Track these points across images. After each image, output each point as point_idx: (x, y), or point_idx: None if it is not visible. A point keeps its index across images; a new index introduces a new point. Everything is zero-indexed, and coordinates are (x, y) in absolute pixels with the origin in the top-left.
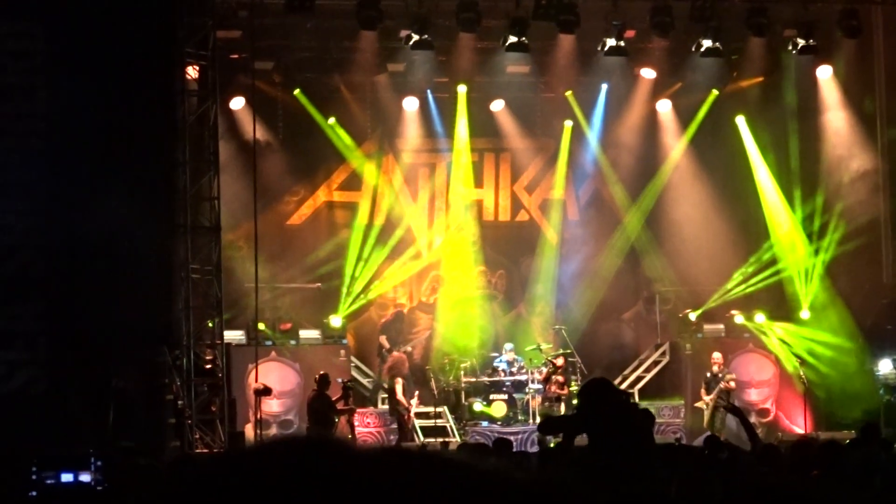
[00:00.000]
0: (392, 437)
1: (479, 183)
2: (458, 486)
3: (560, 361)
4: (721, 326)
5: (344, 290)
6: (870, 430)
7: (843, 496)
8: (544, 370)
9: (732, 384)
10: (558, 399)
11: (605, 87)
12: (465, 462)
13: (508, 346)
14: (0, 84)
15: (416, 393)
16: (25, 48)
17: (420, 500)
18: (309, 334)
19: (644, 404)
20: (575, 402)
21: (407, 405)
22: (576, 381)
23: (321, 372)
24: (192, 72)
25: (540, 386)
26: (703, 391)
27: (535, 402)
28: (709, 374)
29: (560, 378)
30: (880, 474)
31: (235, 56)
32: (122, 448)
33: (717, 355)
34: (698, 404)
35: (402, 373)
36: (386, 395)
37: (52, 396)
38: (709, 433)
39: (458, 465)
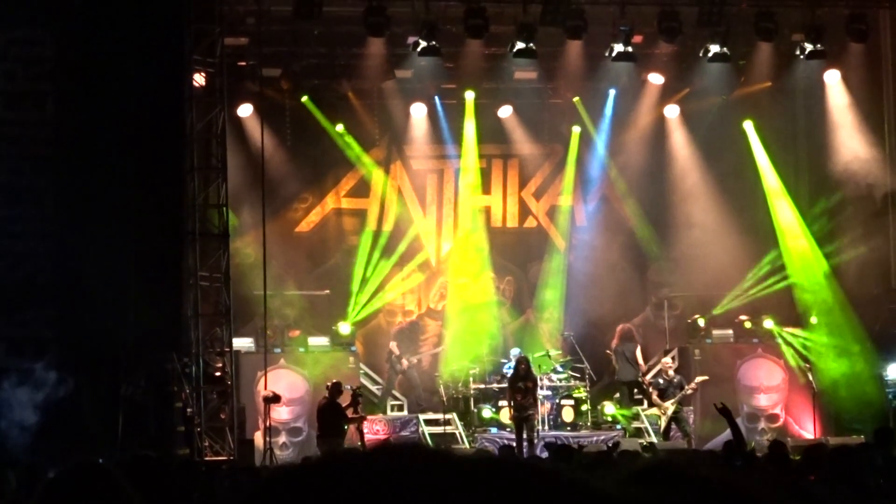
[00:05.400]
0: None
1: (486, 189)
2: (550, 494)
3: (522, 367)
4: (730, 332)
5: (352, 297)
6: (884, 433)
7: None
8: (509, 372)
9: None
10: (520, 409)
11: (612, 92)
12: (553, 470)
13: (515, 350)
14: (10, 91)
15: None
16: (35, 55)
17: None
18: (318, 341)
19: (653, 411)
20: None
21: (644, 368)
22: (584, 386)
23: (333, 380)
24: (199, 79)
25: (549, 392)
26: (654, 397)
27: (544, 408)
28: (661, 381)
29: (528, 384)
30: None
31: (243, 63)
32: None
33: (666, 360)
34: (650, 412)
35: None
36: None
37: (63, 403)
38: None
39: (552, 475)
